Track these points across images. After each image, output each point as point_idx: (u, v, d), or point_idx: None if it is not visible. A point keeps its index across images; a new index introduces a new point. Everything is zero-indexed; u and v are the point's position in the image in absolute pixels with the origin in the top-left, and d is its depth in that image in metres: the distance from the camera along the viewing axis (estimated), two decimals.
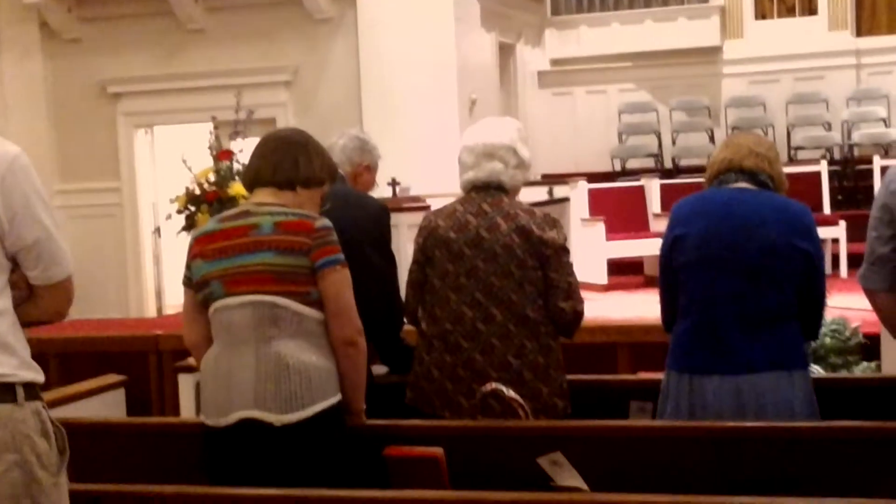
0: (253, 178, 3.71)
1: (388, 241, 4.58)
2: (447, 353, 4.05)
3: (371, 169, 4.86)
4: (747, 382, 3.76)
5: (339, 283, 3.51)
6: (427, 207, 7.07)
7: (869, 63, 13.69)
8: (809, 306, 3.89)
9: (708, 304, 3.85)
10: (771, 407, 3.73)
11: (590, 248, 10.15)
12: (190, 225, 8.42)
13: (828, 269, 10.02)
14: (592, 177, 11.76)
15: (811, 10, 14.14)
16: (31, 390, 2.90)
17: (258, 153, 3.74)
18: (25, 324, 2.98)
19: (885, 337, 5.08)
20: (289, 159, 3.65)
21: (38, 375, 2.93)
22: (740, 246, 3.81)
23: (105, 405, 5.76)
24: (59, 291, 2.98)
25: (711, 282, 3.84)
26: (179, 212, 8.63)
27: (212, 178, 8.54)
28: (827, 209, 10.59)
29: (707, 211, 3.93)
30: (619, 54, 14.27)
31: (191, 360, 5.09)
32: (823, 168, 10.90)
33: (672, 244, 3.97)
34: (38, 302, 2.97)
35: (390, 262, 4.54)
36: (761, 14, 14.33)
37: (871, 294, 3.94)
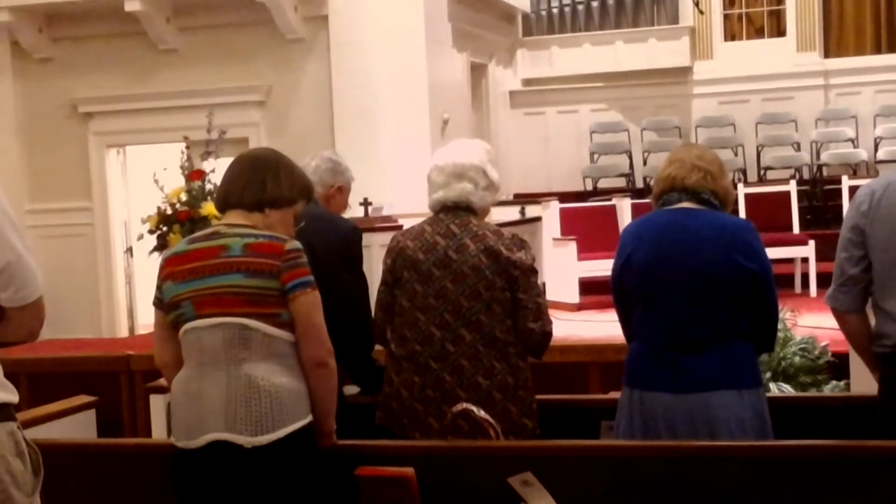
0: (223, 200, 3.72)
1: (360, 262, 4.59)
2: (416, 374, 4.05)
3: (343, 190, 4.86)
4: (698, 401, 3.77)
5: (310, 305, 3.51)
6: (399, 227, 7.09)
7: (837, 84, 13.86)
8: (761, 323, 3.90)
9: (656, 325, 3.88)
10: (723, 425, 3.75)
11: (562, 268, 10.19)
12: (162, 245, 8.42)
13: (797, 288, 10.12)
14: (564, 196, 11.83)
15: (780, 31, 14.31)
16: (5, 411, 2.90)
17: (228, 174, 3.74)
18: None
19: (854, 356, 5.13)
20: (256, 181, 3.65)
21: (11, 396, 2.93)
22: (682, 268, 3.82)
23: (76, 426, 5.73)
24: (31, 312, 2.99)
25: (658, 304, 3.87)
26: (151, 231, 8.63)
27: (183, 197, 8.54)
28: (796, 229, 10.67)
29: (650, 234, 3.95)
30: (591, 74, 14.39)
31: (162, 381, 5.08)
32: (793, 188, 10.99)
33: (621, 268, 4.00)
34: (9, 323, 2.98)
35: (361, 282, 4.54)
36: (731, 35, 14.47)
37: (840, 315, 3.97)
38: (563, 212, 10.75)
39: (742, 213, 10.35)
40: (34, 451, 2.97)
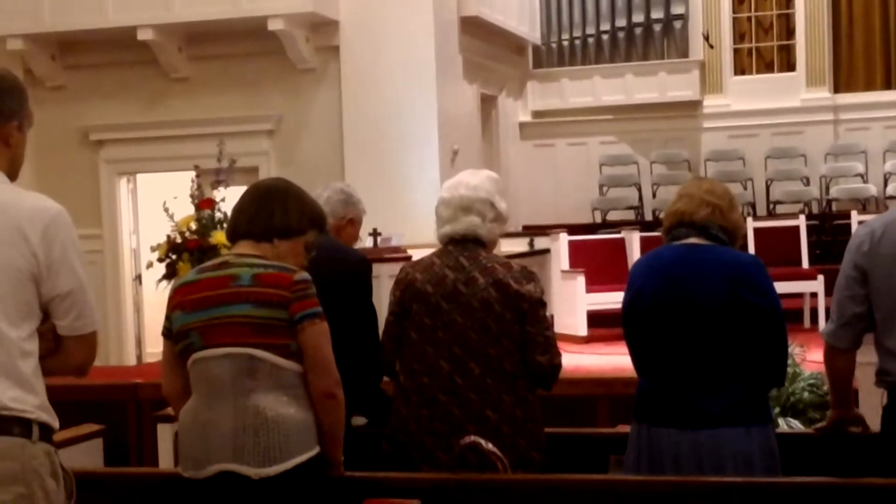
0: (232, 230, 3.72)
1: (369, 293, 4.58)
2: (424, 406, 4.04)
3: (355, 222, 4.85)
4: (704, 437, 3.76)
5: (318, 336, 3.51)
6: (408, 258, 7.10)
7: (846, 119, 13.88)
8: (771, 358, 3.87)
9: (663, 360, 3.88)
10: (729, 461, 3.74)
11: (570, 300, 10.19)
12: (171, 273, 8.42)
13: (806, 323, 10.10)
14: (573, 228, 11.83)
15: (790, 66, 14.34)
16: (46, 432, 3.03)
17: (238, 205, 3.75)
18: (48, 375, 3.10)
19: (863, 391, 5.11)
20: (264, 211, 3.65)
21: (53, 421, 3.07)
22: (689, 304, 3.81)
23: (83, 454, 5.72)
24: (85, 344, 3.12)
25: (665, 339, 3.86)
26: (161, 260, 8.63)
27: (193, 226, 8.55)
28: (805, 263, 10.66)
29: (658, 270, 3.95)
30: (600, 107, 14.43)
31: (170, 410, 5.07)
32: (802, 222, 10.99)
33: (630, 303, 4.00)
34: (63, 354, 3.12)
35: (370, 313, 4.53)
36: (740, 69, 14.51)
37: (836, 353, 3.97)
38: (571, 244, 10.76)
39: (751, 247, 10.35)
40: (69, 476, 3.10)
